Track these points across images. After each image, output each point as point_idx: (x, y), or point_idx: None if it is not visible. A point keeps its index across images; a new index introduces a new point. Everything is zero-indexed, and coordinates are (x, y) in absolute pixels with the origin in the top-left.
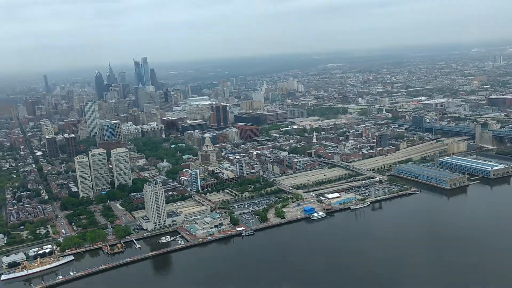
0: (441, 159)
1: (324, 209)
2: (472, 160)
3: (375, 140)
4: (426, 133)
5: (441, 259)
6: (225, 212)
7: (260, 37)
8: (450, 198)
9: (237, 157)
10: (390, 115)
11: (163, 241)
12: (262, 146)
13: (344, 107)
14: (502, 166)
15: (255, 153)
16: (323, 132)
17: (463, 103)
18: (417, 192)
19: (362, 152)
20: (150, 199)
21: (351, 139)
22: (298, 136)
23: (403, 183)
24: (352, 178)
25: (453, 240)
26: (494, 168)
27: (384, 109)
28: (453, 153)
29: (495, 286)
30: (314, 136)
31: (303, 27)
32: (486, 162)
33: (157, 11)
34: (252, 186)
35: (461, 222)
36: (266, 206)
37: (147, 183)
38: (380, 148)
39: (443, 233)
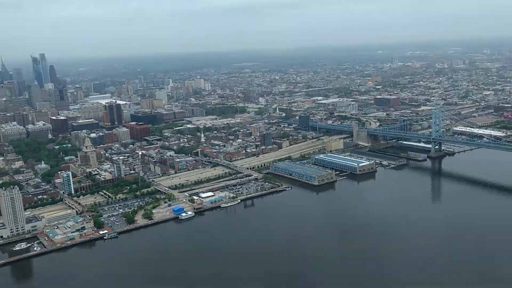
0: (316, 157)
1: (194, 208)
2: (345, 157)
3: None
4: (312, 132)
5: (295, 250)
6: (90, 215)
7: (177, 35)
8: (319, 194)
9: (121, 157)
10: (283, 114)
11: (17, 248)
12: (150, 146)
13: (244, 107)
14: (367, 162)
15: (140, 153)
16: (215, 131)
17: (353, 102)
18: (287, 189)
19: (246, 151)
20: (6, 204)
21: (239, 138)
22: (190, 136)
23: (278, 180)
24: (230, 177)
25: (316, 231)
26: (360, 165)
27: (277, 109)
28: (330, 151)
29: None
30: (202, 135)
31: (217, 26)
32: (355, 159)
33: (64, 5)
34: (128, 188)
35: (327, 215)
36: (136, 208)
37: (3, 188)
38: (263, 147)
39: (305, 226)
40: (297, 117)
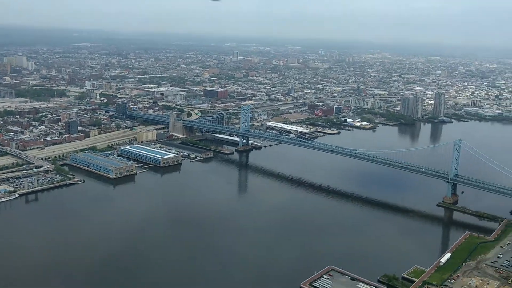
0: (122, 148)
1: None
2: (152, 149)
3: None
4: (128, 121)
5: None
6: None
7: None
8: (116, 187)
9: None
10: (105, 101)
11: None
12: None
13: (65, 90)
14: (172, 155)
15: None
16: (18, 116)
17: (183, 92)
18: (79, 182)
19: (45, 139)
20: None
21: (44, 125)
22: None
23: (73, 173)
24: (16, 168)
25: (104, 229)
26: (164, 157)
27: (98, 95)
28: (142, 142)
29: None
30: None
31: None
32: (162, 151)
33: None
34: None
35: (119, 210)
36: None
37: None
38: (67, 135)
39: (91, 225)
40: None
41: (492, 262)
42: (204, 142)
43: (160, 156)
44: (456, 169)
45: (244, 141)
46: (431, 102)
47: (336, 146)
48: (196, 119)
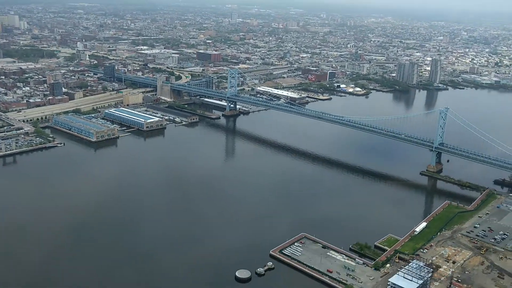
0: (106, 111)
1: None
2: (137, 112)
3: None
4: (115, 84)
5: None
6: None
7: None
8: (98, 150)
9: None
10: (95, 62)
11: None
12: None
13: (55, 51)
14: (157, 119)
15: None
16: (3, 77)
17: (175, 55)
18: (59, 145)
19: (28, 101)
20: None
21: (28, 86)
22: None
23: (54, 135)
24: None
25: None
26: (148, 121)
27: (87, 56)
28: (128, 105)
29: None
30: None
31: None
32: (146, 115)
33: None
34: None
35: (98, 174)
36: None
37: None
38: (51, 97)
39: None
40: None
41: (468, 232)
42: (192, 106)
43: (143, 120)
44: (441, 137)
45: (232, 106)
46: (428, 68)
47: (323, 112)
48: (186, 82)
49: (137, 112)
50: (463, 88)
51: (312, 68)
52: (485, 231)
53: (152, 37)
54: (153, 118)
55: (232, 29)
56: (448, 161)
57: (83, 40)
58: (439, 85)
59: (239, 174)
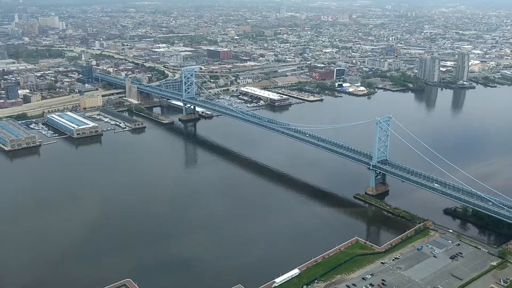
0: (48, 116)
1: None
2: (76, 117)
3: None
4: (89, 84)
5: None
6: None
7: None
8: (14, 160)
9: None
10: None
11: None
12: None
13: (64, 51)
14: (90, 125)
15: None
16: None
17: (187, 53)
18: None
19: None
20: None
21: None
22: None
23: None
24: None
25: None
26: (79, 127)
27: (83, 55)
28: (84, 108)
29: None
30: None
31: None
32: (86, 120)
33: None
34: None
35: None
36: None
37: None
38: (2, 101)
39: None
40: None
41: (347, 286)
42: (159, 110)
43: (75, 126)
44: (384, 153)
45: (191, 108)
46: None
47: (270, 119)
48: (160, 82)
49: (76, 117)
50: (495, 86)
51: (318, 65)
52: (373, 285)
53: (182, 34)
54: (87, 124)
55: (275, 24)
56: (403, 181)
57: (101, 39)
58: (465, 82)
59: (160, 190)
